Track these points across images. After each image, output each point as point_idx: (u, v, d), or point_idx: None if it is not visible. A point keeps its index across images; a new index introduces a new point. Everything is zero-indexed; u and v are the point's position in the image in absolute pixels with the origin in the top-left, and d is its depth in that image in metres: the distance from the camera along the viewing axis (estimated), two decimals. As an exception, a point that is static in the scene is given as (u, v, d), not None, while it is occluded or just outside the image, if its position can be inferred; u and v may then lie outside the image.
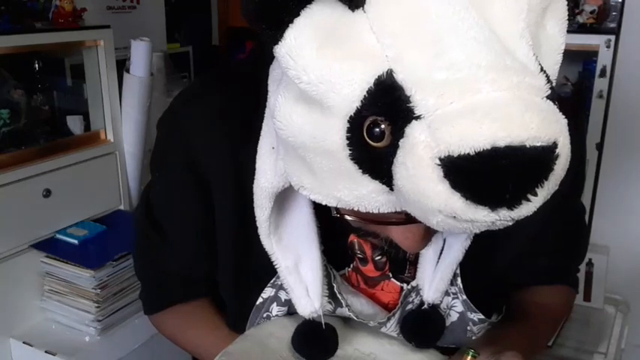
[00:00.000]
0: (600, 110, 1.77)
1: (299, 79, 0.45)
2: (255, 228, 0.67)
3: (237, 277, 0.74)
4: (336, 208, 0.53)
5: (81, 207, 1.56)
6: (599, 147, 1.79)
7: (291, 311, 0.72)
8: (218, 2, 2.76)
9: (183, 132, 0.70)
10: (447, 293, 0.71)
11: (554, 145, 0.39)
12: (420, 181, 0.41)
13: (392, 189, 0.45)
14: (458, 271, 0.70)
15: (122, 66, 1.62)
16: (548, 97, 0.42)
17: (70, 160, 1.51)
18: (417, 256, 0.71)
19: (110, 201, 1.66)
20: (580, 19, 1.77)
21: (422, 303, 0.70)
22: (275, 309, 0.72)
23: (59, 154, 1.49)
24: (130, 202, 1.72)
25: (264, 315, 0.72)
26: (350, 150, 0.44)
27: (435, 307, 0.71)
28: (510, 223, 0.42)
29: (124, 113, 1.65)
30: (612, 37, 1.71)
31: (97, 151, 1.60)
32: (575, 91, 1.98)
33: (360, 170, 0.45)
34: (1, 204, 1.35)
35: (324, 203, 0.51)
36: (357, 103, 0.43)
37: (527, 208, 0.41)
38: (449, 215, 0.41)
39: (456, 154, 0.39)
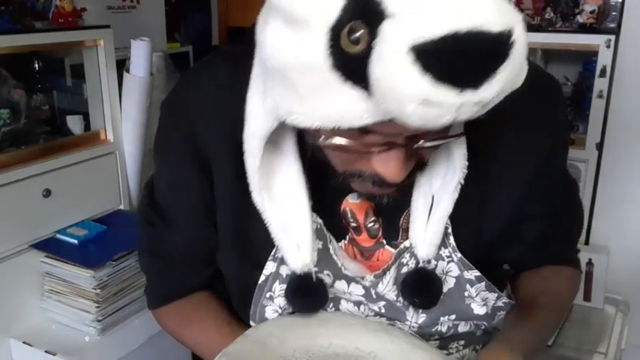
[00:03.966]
0: (600, 110, 1.77)
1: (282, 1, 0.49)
2: (253, 202, 0.69)
3: (238, 255, 0.75)
4: (318, 146, 0.58)
5: (81, 207, 1.56)
6: (599, 147, 1.79)
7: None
8: (218, 2, 2.76)
9: (184, 108, 0.74)
10: (441, 258, 0.73)
11: (510, 33, 0.44)
12: (393, 70, 0.45)
13: (371, 94, 0.48)
14: (450, 230, 0.72)
15: (122, 66, 1.62)
16: None
17: (70, 160, 1.51)
18: (409, 221, 0.73)
19: (110, 201, 1.66)
20: (580, 19, 1.77)
21: (417, 264, 0.72)
22: (277, 288, 0.73)
23: (59, 154, 1.50)
24: (130, 202, 1.72)
25: (267, 295, 0.73)
26: (331, 59, 0.48)
27: (431, 270, 0.72)
28: (476, 109, 0.46)
29: (124, 113, 1.65)
30: (612, 37, 1.71)
31: (97, 151, 1.60)
32: (575, 91, 1.98)
33: (342, 78, 0.49)
34: (1, 204, 1.35)
35: (310, 126, 0.53)
36: (338, 12, 0.47)
37: (490, 90, 0.45)
38: (421, 100, 0.45)
39: (423, 41, 0.43)
